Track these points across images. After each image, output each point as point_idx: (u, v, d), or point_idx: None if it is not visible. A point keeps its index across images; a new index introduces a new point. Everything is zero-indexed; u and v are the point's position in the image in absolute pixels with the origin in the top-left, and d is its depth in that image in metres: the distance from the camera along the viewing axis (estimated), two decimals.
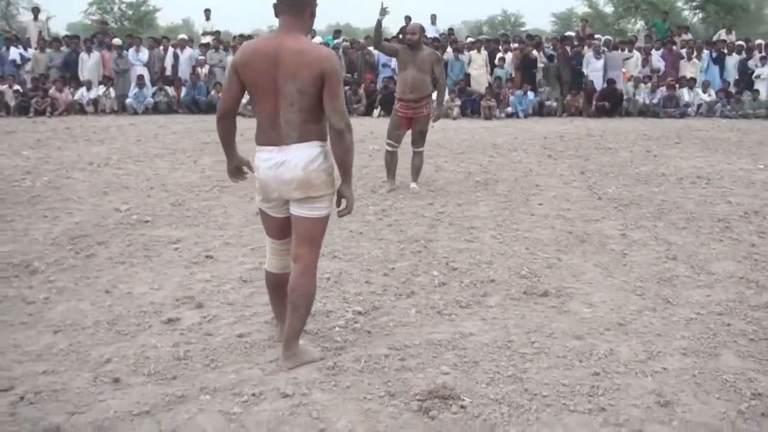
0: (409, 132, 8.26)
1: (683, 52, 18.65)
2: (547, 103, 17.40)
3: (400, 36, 18.98)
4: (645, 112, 17.51)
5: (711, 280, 5.08)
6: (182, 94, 18.30)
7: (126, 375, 3.61)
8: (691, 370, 3.66)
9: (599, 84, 17.45)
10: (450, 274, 5.24)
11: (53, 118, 16.12)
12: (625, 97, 17.46)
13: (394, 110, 8.26)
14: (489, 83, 17.81)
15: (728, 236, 6.25)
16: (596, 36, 19.45)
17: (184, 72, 18.71)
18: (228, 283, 5.04)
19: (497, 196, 7.91)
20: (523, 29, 53.86)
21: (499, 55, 18.31)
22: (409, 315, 4.44)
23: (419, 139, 8.25)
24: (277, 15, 3.56)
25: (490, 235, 6.30)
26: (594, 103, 17.18)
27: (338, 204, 3.69)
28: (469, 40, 19.97)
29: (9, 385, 3.49)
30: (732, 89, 17.84)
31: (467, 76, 18.07)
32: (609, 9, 40.46)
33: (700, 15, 36.10)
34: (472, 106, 17.63)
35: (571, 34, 20.79)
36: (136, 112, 17.61)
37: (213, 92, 18.08)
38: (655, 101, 17.42)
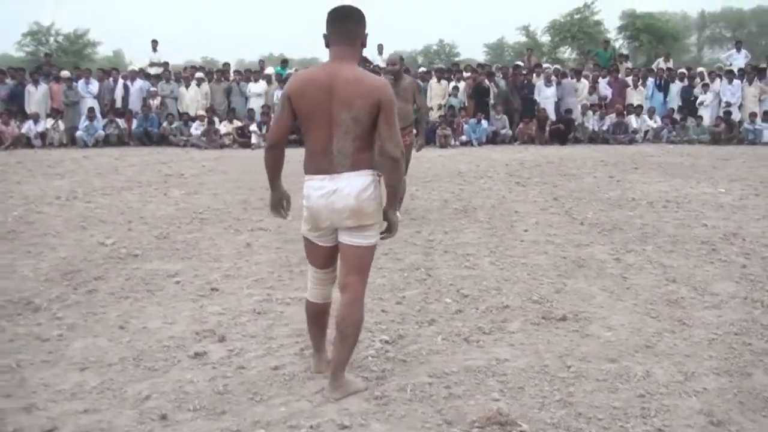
0: None
1: (628, 80, 19.16)
2: (503, 131, 17.68)
3: (366, 64, 19.16)
4: (595, 138, 17.93)
5: (717, 301, 5.22)
6: (133, 126, 18.05)
7: (171, 411, 3.53)
8: (730, 390, 3.75)
9: (550, 112, 17.80)
10: (462, 301, 5.27)
11: (0, 152, 15.69)
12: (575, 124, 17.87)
13: None
14: (443, 112, 18.01)
15: (717, 258, 6.42)
16: (545, 65, 19.88)
17: (134, 104, 18.52)
18: (242, 315, 4.98)
19: (480, 223, 7.99)
20: (457, 59, 54.95)
21: (452, 84, 18.52)
22: (436, 342, 4.45)
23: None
24: (327, 45, 3.57)
25: (488, 261, 6.35)
26: (547, 130, 17.50)
27: (388, 229, 3.68)
28: (422, 69, 20.18)
29: (52, 425, 3.39)
30: (676, 116, 18.39)
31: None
32: (545, 39, 41.45)
33: (635, 44, 37.26)
34: (427, 135, 17.74)
35: (520, 63, 21.20)
36: (86, 145, 17.34)
37: (165, 124, 17.86)
38: (604, 128, 17.85)
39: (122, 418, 3.48)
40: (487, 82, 18.15)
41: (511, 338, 4.52)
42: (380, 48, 22.97)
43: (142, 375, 3.99)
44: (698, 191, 10.24)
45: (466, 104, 18.20)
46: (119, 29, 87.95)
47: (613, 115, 18.02)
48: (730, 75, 18.71)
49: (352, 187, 3.48)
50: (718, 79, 18.75)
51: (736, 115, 18.09)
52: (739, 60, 21.39)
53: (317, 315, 3.88)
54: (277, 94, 18.32)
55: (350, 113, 3.41)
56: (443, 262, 6.37)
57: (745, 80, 18.38)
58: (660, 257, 6.47)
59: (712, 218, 8.25)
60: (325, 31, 3.58)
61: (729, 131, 17.74)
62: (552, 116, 17.83)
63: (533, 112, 17.84)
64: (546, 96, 18.04)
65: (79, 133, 17.56)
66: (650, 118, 18.33)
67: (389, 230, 3.73)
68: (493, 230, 7.64)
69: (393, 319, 4.89)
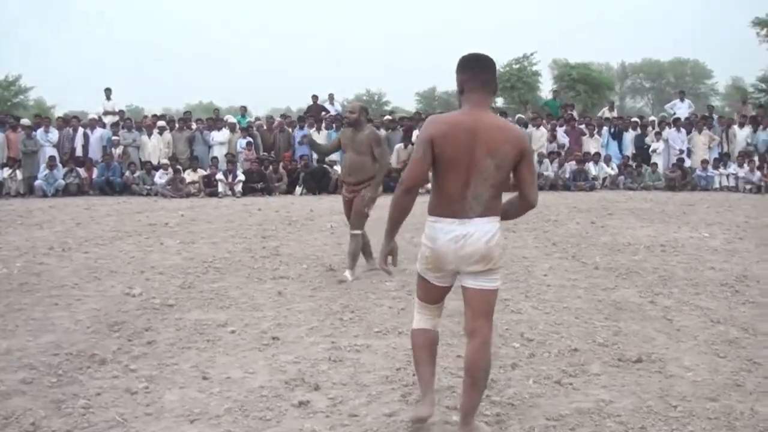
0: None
1: (583, 128, 19.80)
2: None
3: (322, 113, 19.31)
4: (555, 185, 18.39)
5: None
6: (94, 175, 17.73)
7: None
8: None
9: None
10: (529, 345, 5.36)
11: None
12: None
13: (342, 194, 8.09)
14: (405, 161, 18.22)
15: (745, 299, 6.68)
16: (505, 113, 20.42)
17: (94, 152, 18.23)
18: (319, 364, 4.96)
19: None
20: (387, 108, 55.82)
21: (416, 132, 18.79)
22: (530, 386, 4.52)
23: (356, 222, 7.82)
24: (461, 92, 3.65)
25: (530, 306, 6.47)
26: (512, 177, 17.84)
27: None
28: (386, 118, 20.44)
29: None
30: (631, 163, 19.05)
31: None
32: None
33: (571, 94, 38.45)
34: (392, 183, 17.93)
35: None
36: (45, 195, 16.97)
37: (127, 173, 17.61)
38: (566, 175, 18.35)
39: None
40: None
41: (598, 380, 4.62)
42: (331, 97, 23.24)
43: (259, 425, 3.95)
44: (684, 236, 10.61)
45: None
46: (45, 77, 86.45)
47: (573, 163, 18.50)
48: (678, 124, 19.49)
49: (482, 233, 3.54)
50: (667, 128, 19.49)
51: (686, 162, 18.82)
52: (683, 109, 22.39)
53: (428, 345, 3.84)
54: (241, 142, 18.32)
55: (495, 160, 3.49)
56: (507, 305, 6.43)
57: (694, 129, 19.15)
58: (691, 299, 6.69)
59: (714, 261, 8.57)
60: (461, 77, 3.65)
61: (683, 178, 18.44)
62: None
63: None
64: None
65: (38, 183, 17.18)
66: (607, 165, 18.89)
67: None
68: (514, 275, 7.77)
69: None
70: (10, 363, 4.98)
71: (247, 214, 13.54)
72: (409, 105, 61.95)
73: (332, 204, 14.97)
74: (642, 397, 4.33)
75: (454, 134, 3.52)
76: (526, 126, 19.10)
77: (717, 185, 18.46)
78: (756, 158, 18.58)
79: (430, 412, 3.81)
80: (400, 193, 3.64)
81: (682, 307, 6.42)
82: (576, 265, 8.40)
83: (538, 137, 19.10)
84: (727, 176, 18.59)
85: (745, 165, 18.32)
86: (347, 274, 7.70)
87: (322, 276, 7.83)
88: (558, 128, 19.52)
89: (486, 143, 3.49)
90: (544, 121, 19.84)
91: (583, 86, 37.76)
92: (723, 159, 19.01)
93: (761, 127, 19.81)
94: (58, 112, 20.22)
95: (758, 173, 18.02)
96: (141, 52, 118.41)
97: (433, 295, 3.81)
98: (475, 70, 3.63)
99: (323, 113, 21.45)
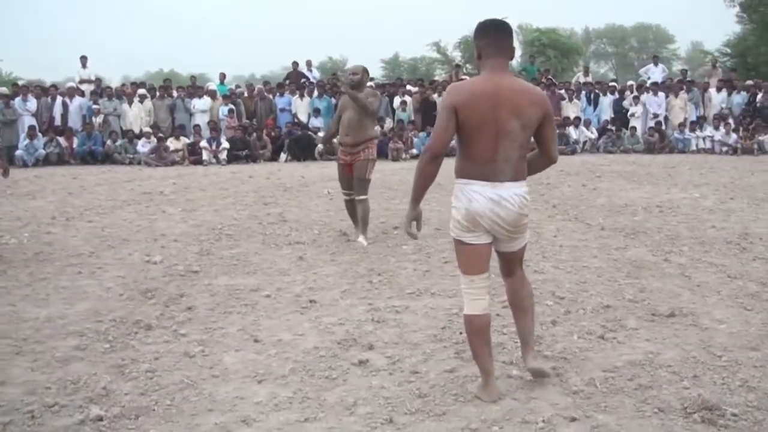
0: None
1: (563, 93, 19.99)
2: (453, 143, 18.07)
3: (302, 80, 19.24)
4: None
5: None
6: (75, 144, 17.51)
7: (398, 414, 3.62)
8: None
9: None
10: (562, 302, 5.52)
11: None
12: None
13: (337, 158, 8.00)
14: (392, 126, 18.29)
15: (753, 256, 6.92)
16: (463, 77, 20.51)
17: (74, 122, 17.98)
18: (364, 324, 5.07)
19: None
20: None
21: (399, 99, 18.85)
22: (576, 341, 4.67)
23: (359, 186, 7.73)
24: (479, 57, 3.73)
25: (550, 266, 6.64)
26: None
27: None
28: (370, 84, 20.40)
29: None
30: (610, 127, 19.30)
31: None
32: (457, 54, 42.42)
33: (541, 59, 38.56)
34: (380, 148, 17.97)
35: (466, 77, 21.72)
36: (25, 165, 16.68)
37: (109, 142, 17.43)
38: None
39: (349, 424, 3.54)
40: (434, 96, 18.52)
41: (638, 334, 4.79)
42: (309, 64, 23.16)
43: (327, 384, 4.05)
44: (677, 197, 10.86)
45: (414, 118, 18.47)
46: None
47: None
48: (655, 88, 19.76)
49: (515, 200, 3.64)
50: (645, 92, 19.75)
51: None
52: (656, 74, 22.66)
53: (483, 328, 3.84)
54: (223, 110, 18.22)
55: (520, 121, 3.57)
56: (528, 266, 6.52)
57: (670, 93, 19.45)
58: (702, 257, 6.90)
59: (713, 221, 8.81)
60: (479, 43, 3.72)
61: (661, 141, 18.75)
62: None
63: None
64: None
65: (18, 152, 16.92)
66: (587, 129, 19.13)
67: None
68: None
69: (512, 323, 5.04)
70: (57, 330, 5.02)
71: (239, 182, 13.52)
72: (373, 72, 61.62)
73: (321, 170, 15.05)
74: (685, 348, 4.50)
75: (478, 100, 3.58)
76: None
77: (694, 147, 18.79)
78: (731, 121, 18.90)
79: (496, 398, 3.83)
80: (425, 161, 3.68)
81: (697, 264, 6.62)
82: (581, 226, 8.58)
83: None
84: (704, 139, 18.91)
85: (721, 128, 18.64)
86: (362, 239, 7.76)
87: (337, 241, 7.91)
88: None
89: (510, 106, 3.56)
90: None
91: (553, 51, 37.91)
92: (699, 122, 19.31)
93: (736, 90, 20.11)
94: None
95: (734, 135, 18.37)
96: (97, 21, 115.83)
97: (476, 260, 3.77)
98: (493, 36, 3.70)
99: (303, 80, 21.35)
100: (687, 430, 3.44)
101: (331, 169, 14.89)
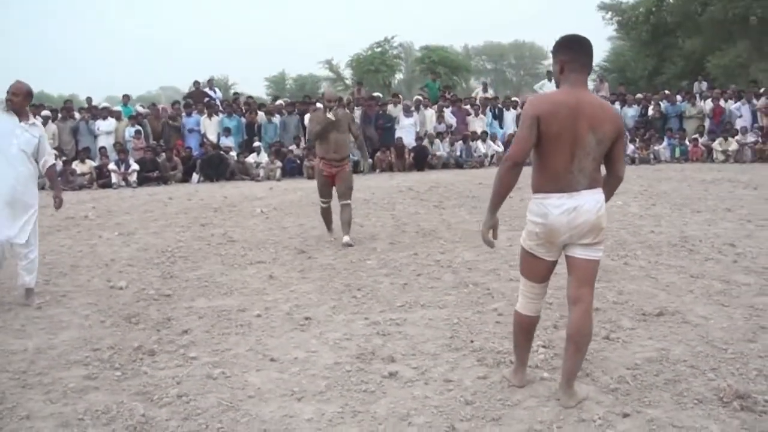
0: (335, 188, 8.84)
1: (468, 108, 20.52)
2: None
3: (205, 98, 18.97)
4: (447, 164, 19.00)
5: (750, 288, 6.05)
6: None
7: (455, 422, 3.68)
8: None
9: (410, 141, 18.66)
10: (553, 307, 5.71)
11: None
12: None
13: (318, 170, 8.80)
14: (305, 144, 18.28)
15: (702, 257, 7.35)
16: (399, 95, 20.83)
17: None
18: (372, 338, 5.11)
19: (458, 243, 8.45)
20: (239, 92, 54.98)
21: (310, 116, 18.85)
22: None
23: (347, 193, 8.69)
24: (561, 71, 3.88)
25: None
26: (409, 157, 18.33)
27: None
28: (279, 102, 20.36)
29: None
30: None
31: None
32: (347, 72, 42.76)
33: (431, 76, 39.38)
34: (290, 167, 17.98)
35: (378, 95, 21.96)
36: None
37: None
38: (457, 153, 19.00)
39: (416, 431, 3.58)
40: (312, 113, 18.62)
41: (639, 334, 5.04)
42: (210, 82, 22.92)
43: (369, 398, 4.07)
44: (614, 204, 11.30)
45: None
46: None
47: (461, 142, 19.17)
48: None
49: (591, 205, 3.77)
50: None
51: None
52: (551, 89, 23.44)
53: (530, 328, 4.09)
54: (129, 131, 17.76)
55: (596, 136, 3.74)
56: (491, 277, 6.74)
57: None
58: (657, 259, 7.29)
59: (648, 226, 9.28)
60: (562, 57, 3.87)
61: None
62: (410, 145, 18.63)
63: (391, 141, 18.55)
64: (404, 125, 18.85)
65: None
66: (494, 143, 19.69)
67: None
68: (481, 248, 8.10)
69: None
70: (54, 361, 4.82)
71: (162, 204, 13.20)
72: (257, 90, 61.28)
73: (239, 190, 14.92)
74: (689, 344, 4.76)
75: (559, 112, 3.72)
76: (425, 107, 19.60)
77: None
78: (627, 133, 19.86)
79: (525, 384, 4.12)
80: (505, 169, 3.80)
81: (657, 267, 6.96)
82: None
83: (429, 117, 19.57)
84: None
85: None
86: (347, 240, 8.55)
87: (298, 259, 7.88)
88: (445, 109, 20.06)
89: (588, 120, 3.72)
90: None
91: (443, 68, 38.72)
92: None
93: (627, 104, 21.17)
94: None
95: (631, 146, 19.29)
96: None
97: (540, 272, 3.96)
98: (577, 52, 3.86)
99: (206, 99, 21.05)
100: (732, 418, 3.64)
101: (247, 188, 14.82)
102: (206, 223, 10.62)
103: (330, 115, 8.51)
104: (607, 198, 3.94)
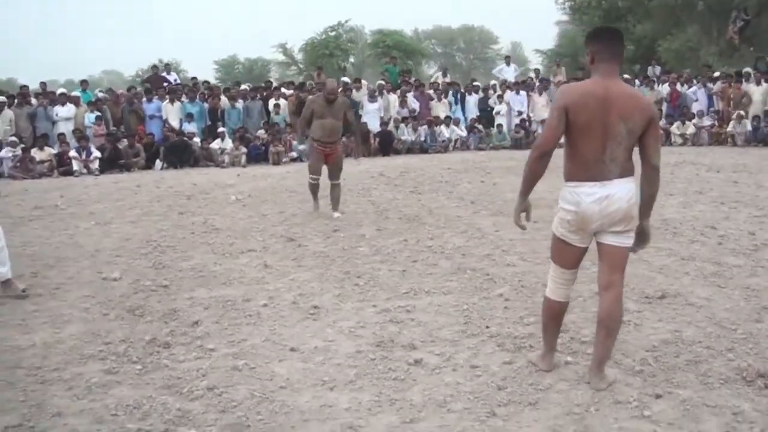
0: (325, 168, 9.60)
1: (431, 93, 20.59)
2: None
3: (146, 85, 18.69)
4: (412, 149, 19.06)
5: (747, 268, 6.23)
6: None
7: (494, 407, 3.74)
8: None
9: (375, 125, 18.65)
10: None
11: None
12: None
13: (313, 148, 9.55)
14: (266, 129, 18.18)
15: (687, 239, 7.54)
16: (362, 81, 20.77)
17: None
18: (387, 326, 5.13)
19: (445, 228, 8.53)
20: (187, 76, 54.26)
21: (274, 102, 18.75)
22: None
23: (337, 173, 9.56)
24: (592, 62, 3.93)
25: (516, 258, 6.98)
26: (373, 143, 18.33)
27: (642, 240, 4.06)
28: (245, 87, 20.15)
29: None
30: (477, 125, 20.09)
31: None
32: (301, 57, 42.47)
33: (384, 60, 39.32)
34: (255, 153, 17.83)
35: (345, 79, 21.82)
36: None
37: None
38: (421, 138, 19.06)
39: (456, 420, 3.63)
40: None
41: (648, 316, 5.16)
42: (167, 67, 22.64)
43: (401, 385, 4.10)
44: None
45: (290, 121, 18.41)
46: None
47: (426, 126, 19.23)
48: (518, 87, 20.77)
49: (624, 193, 3.83)
50: (508, 91, 20.70)
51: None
52: (509, 73, 23.80)
53: (559, 313, 4.18)
54: (89, 117, 17.44)
55: (627, 125, 3.79)
56: (493, 261, 6.82)
57: (535, 91, 20.51)
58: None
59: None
60: (593, 48, 3.92)
61: (527, 137, 19.70)
62: (375, 130, 18.63)
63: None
64: (369, 110, 18.83)
65: None
66: (457, 127, 19.80)
67: (644, 240, 4.09)
68: (467, 233, 8.19)
69: (523, 317, 5.28)
70: (67, 355, 4.74)
71: (131, 192, 13.00)
72: (208, 74, 60.52)
73: (206, 177, 14.80)
74: (699, 326, 4.89)
75: (588, 102, 3.78)
76: (387, 92, 19.59)
77: None
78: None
79: (552, 368, 4.22)
80: (535, 157, 3.87)
81: (647, 249, 7.06)
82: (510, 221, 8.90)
83: (393, 102, 19.58)
84: None
85: None
86: (337, 215, 9.40)
87: (288, 247, 7.85)
88: (408, 94, 20.09)
89: (619, 110, 3.77)
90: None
91: (398, 53, 38.67)
92: None
93: None
94: None
95: None
96: None
97: (570, 258, 4.03)
98: (607, 42, 3.91)
99: (165, 83, 20.76)
100: (760, 396, 3.78)
101: (214, 175, 14.69)
102: (183, 211, 10.49)
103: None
104: (652, 195, 3.98)
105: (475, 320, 5.17)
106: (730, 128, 18.65)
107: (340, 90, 17.66)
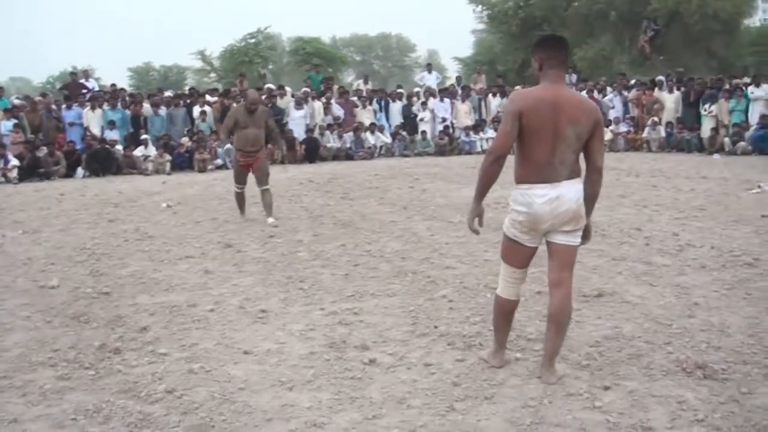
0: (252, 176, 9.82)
1: (355, 100, 20.76)
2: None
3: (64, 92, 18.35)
4: (338, 156, 19.19)
5: (683, 267, 6.57)
6: None
7: (452, 401, 3.89)
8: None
9: (300, 133, 18.71)
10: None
11: None
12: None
13: (235, 160, 10.01)
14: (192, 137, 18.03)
15: (620, 240, 7.85)
16: (286, 88, 20.77)
17: None
18: (335, 328, 5.21)
19: (381, 233, 8.67)
20: (101, 84, 53.20)
21: (199, 109, 18.60)
22: (539, 324, 5.14)
23: (265, 179, 9.65)
24: (540, 68, 4.13)
25: (454, 261, 7.14)
26: (299, 150, 18.38)
27: (585, 236, 4.27)
28: (168, 94, 19.89)
29: None
30: (402, 132, 20.35)
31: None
32: (217, 63, 42.13)
33: (305, 67, 39.37)
34: (179, 161, 17.67)
35: (271, 86, 21.73)
36: None
37: None
38: (347, 145, 19.20)
39: (416, 416, 3.77)
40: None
41: (587, 314, 5.38)
42: (86, 73, 22.28)
43: (359, 384, 4.20)
44: (505, 193, 11.76)
45: (216, 128, 18.29)
46: None
47: (351, 133, 19.39)
48: (442, 94, 21.15)
49: (572, 194, 4.02)
50: (432, 98, 21.04)
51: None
52: (431, 80, 24.20)
53: (510, 311, 4.33)
54: (6, 125, 17.01)
55: (575, 129, 3.99)
56: (422, 263, 6.97)
57: (458, 98, 20.91)
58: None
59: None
60: (541, 55, 4.11)
61: (450, 143, 20.07)
62: (300, 137, 18.69)
63: (282, 134, 18.52)
64: (294, 117, 18.88)
65: None
66: (381, 134, 20.03)
67: (587, 237, 4.30)
68: (403, 237, 8.36)
69: (474, 312, 5.46)
70: (15, 363, 4.68)
71: (55, 201, 12.75)
72: (121, 81, 59.38)
73: (131, 185, 14.67)
74: (636, 322, 5.15)
75: (540, 107, 3.96)
76: (312, 99, 19.65)
77: (479, 148, 20.27)
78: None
79: (504, 364, 4.39)
80: (489, 162, 4.01)
81: (580, 250, 7.36)
82: (446, 224, 9.16)
83: (318, 109, 19.66)
84: (487, 140, 20.47)
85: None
86: (271, 221, 9.51)
87: (226, 253, 7.87)
88: (332, 101, 20.20)
89: (567, 115, 3.96)
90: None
91: (318, 60, 38.77)
92: (481, 125, 20.90)
93: (507, 96, 21.98)
94: None
95: None
96: None
97: (521, 258, 4.20)
98: (555, 50, 4.11)
99: (83, 90, 20.36)
100: (700, 386, 4.02)
101: (138, 183, 14.52)
102: (113, 219, 10.36)
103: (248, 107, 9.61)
104: (595, 195, 4.17)
105: (423, 321, 5.31)
106: (645, 134, 19.36)
107: (264, 97, 17.76)
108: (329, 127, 19.45)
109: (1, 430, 3.72)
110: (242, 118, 9.43)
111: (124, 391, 4.18)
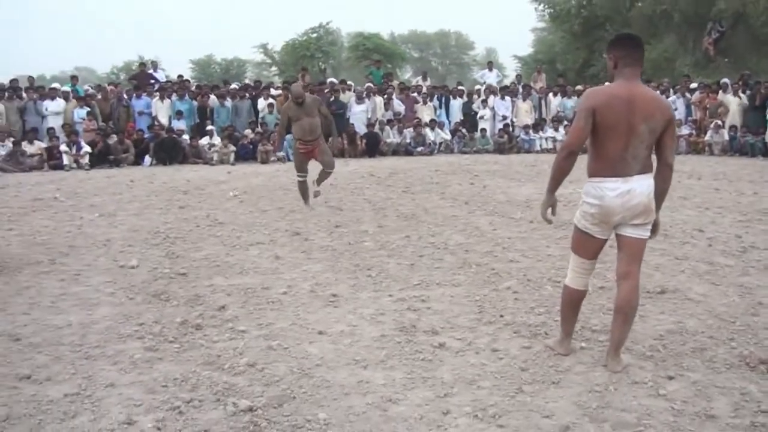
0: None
1: (417, 96, 20.93)
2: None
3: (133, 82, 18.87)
4: (397, 151, 19.39)
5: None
6: None
7: (521, 384, 4.06)
8: None
9: (361, 127, 18.96)
10: (560, 286, 6.11)
11: None
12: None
13: (295, 149, 10.39)
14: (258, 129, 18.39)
15: (680, 241, 7.90)
16: (348, 82, 21.05)
17: None
18: (406, 314, 5.41)
19: (444, 226, 8.84)
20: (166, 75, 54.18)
21: (264, 102, 18.97)
22: (603, 317, 5.29)
23: (330, 162, 10.33)
24: (615, 66, 4.27)
25: (518, 255, 7.28)
26: (359, 145, 18.63)
27: (653, 231, 4.40)
28: (234, 86, 20.35)
29: (446, 410, 3.76)
30: (461, 129, 20.47)
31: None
32: (278, 57, 42.68)
33: (365, 63, 39.70)
34: (243, 152, 18.05)
35: (333, 80, 22.07)
36: None
37: None
38: (407, 141, 19.39)
39: (486, 395, 3.94)
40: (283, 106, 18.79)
41: (650, 309, 5.47)
42: (155, 65, 22.72)
43: (430, 365, 4.39)
44: (563, 192, 11.85)
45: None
46: None
47: (411, 129, 19.57)
48: (503, 92, 21.19)
49: (644, 188, 4.16)
50: (492, 96, 21.11)
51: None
52: (491, 78, 24.22)
53: (578, 301, 4.50)
54: (79, 112, 17.55)
55: (648, 125, 4.13)
56: (486, 256, 7.13)
57: (519, 96, 20.94)
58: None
59: None
60: (616, 53, 4.24)
61: (509, 141, 20.13)
62: (361, 131, 18.94)
63: (343, 128, 18.80)
64: (356, 112, 19.14)
65: None
66: (441, 131, 20.17)
67: (655, 231, 4.41)
68: (466, 231, 8.52)
69: (539, 304, 5.61)
70: (104, 335, 4.98)
71: (126, 187, 13.21)
72: (184, 73, 60.30)
73: (197, 173, 15.05)
74: (700, 318, 5.24)
75: (614, 104, 4.11)
76: (374, 95, 19.90)
77: (538, 147, 20.29)
78: (566, 122, 20.62)
79: (569, 352, 4.54)
80: (563, 157, 4.18)
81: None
82: (508, 220, 9.30)
83: (379, 105, 19.89)
84: (546, 139, 20.49)
85: (561, 128, 20.29)
86: (317, 189, 10.46)
87: (294, 240, 8.12)
88: (393, 97, 20.41)
89: (641, 111, 4.10)
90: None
91: (378, 56, 39.04)
92: (540, 124, 20.91)
93: (568, 95, 21.94)
94: None
95: None
96: None
97: (591, 248, 4.35)
98: (630, 48, 4.25)
99: (152, 81, 20.91)
100: (764, 379, 4.12)
101: (204, 172, 14.92)
102: (183, 205, 10.72)
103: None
104: (665, 190, 4.29)
105: (489, 310, 5.48)
106: (707, 137, 19.15)
107: (327, 91, 18.07)
108: (389, 122, 19.64)
109: (99, 392, 4.00)
110: (293, 112, 9.90)
111: (209, 363, 4.43)
